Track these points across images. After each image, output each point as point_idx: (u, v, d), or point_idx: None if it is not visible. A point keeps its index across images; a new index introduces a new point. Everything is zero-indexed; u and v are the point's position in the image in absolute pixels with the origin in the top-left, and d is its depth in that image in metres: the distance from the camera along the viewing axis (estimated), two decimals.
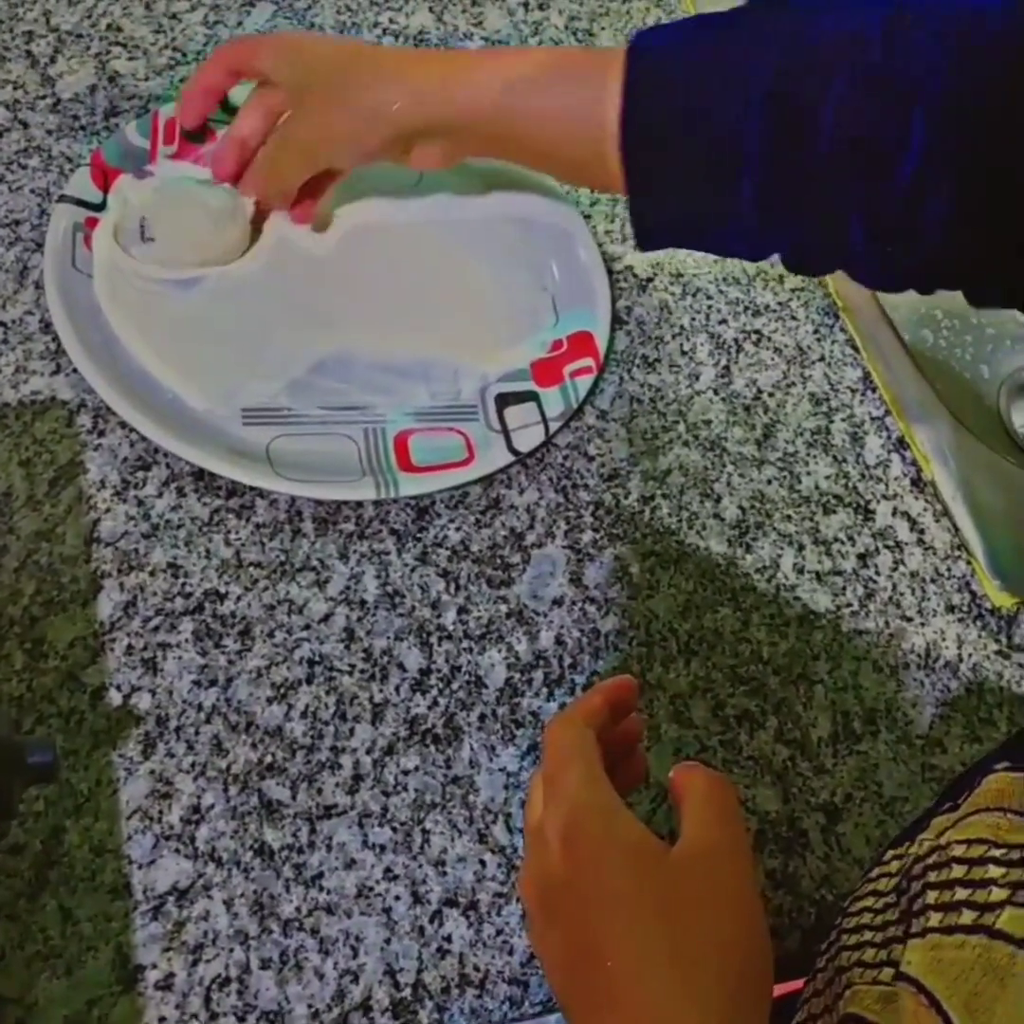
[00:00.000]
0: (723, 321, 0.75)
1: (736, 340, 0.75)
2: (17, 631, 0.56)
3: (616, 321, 0.73)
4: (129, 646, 0.57)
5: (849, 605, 0.66)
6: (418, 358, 0.69)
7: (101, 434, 0.62)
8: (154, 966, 0.50)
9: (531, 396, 0.68)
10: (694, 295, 0.76)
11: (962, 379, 1.09)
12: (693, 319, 0.75)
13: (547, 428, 0.66)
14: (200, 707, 0.56)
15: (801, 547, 0.67)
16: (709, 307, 0.76)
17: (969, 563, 0.68)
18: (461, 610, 0.61)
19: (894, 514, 0.70)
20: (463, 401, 0.68)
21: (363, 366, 0.68)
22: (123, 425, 0.62)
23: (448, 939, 0.53)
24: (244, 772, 0.55)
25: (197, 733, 0.55)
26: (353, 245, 0.72)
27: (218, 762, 0.55)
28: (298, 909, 0.52)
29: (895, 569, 0.68)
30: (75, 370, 0.62)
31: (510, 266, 0.74)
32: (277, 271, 0.70)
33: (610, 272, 0.75)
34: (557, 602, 0.63)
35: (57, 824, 0.52)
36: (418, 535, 0.63)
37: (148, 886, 0.51)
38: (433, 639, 0.60)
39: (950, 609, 0.67)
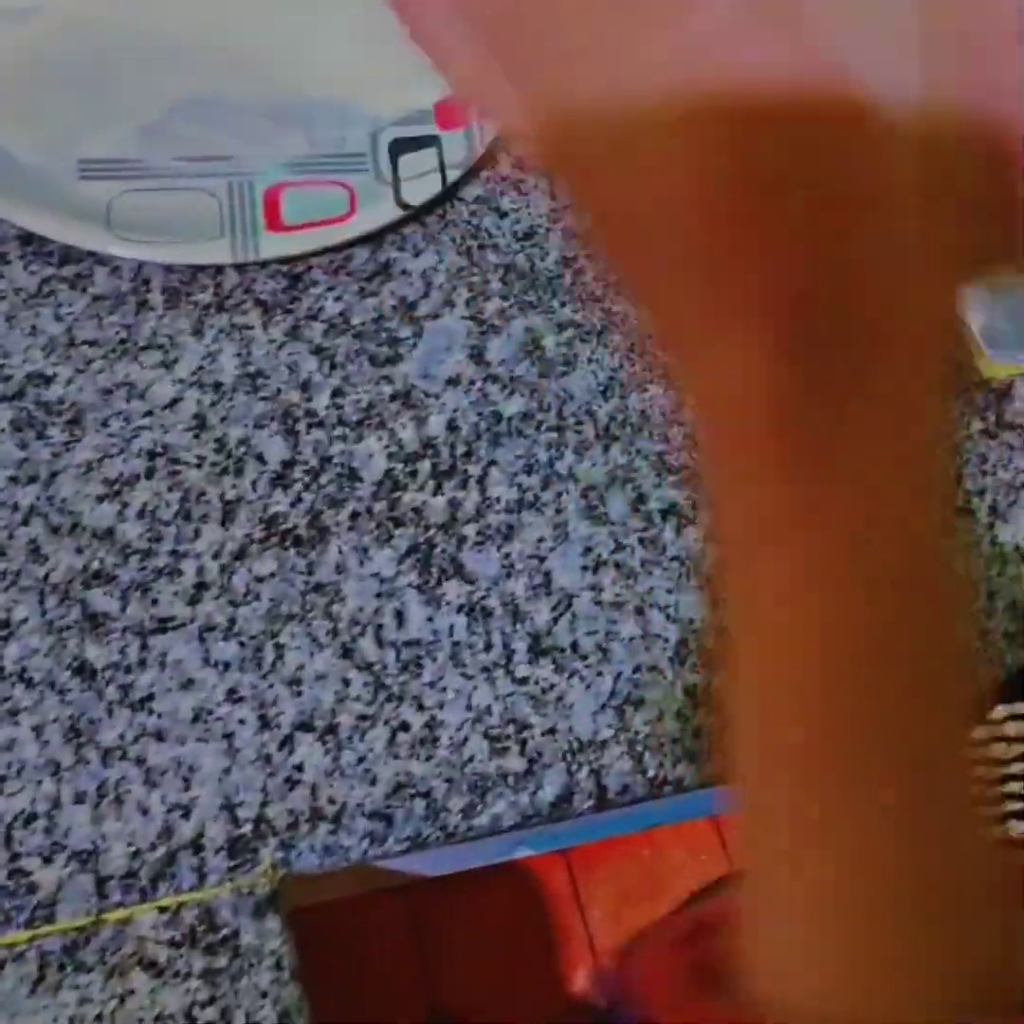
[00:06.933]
0: None
1: None
2: None
3: None
4: None
5: None
6: (299, 98, 0.58)
7: None
8: None
9: (431, 141, 0.57)
10: None
11: None
12: None
13: (444, 178, 0.55)
14: (16, 507, 0.48)
15: None
16: None
17: None
18: (336, 392, 0.52)
19: None
20: (349, 149, 0.57)
21: (231, 108, 0.57)
22: None
23: (299, 768, 0.45)
24: (65, 580, 0.47)
25: (11, 537, 0.47)
26: None
27: (35, 570, 0.47)
28: (122, 736, 0.45)
29: None
30: None
31: None
32: None
33: None
34: (452, 382, 0.53)
35: None
36: (289, 306, 0.53)
37: None
38: (300, 426, 0.51)
39: None
